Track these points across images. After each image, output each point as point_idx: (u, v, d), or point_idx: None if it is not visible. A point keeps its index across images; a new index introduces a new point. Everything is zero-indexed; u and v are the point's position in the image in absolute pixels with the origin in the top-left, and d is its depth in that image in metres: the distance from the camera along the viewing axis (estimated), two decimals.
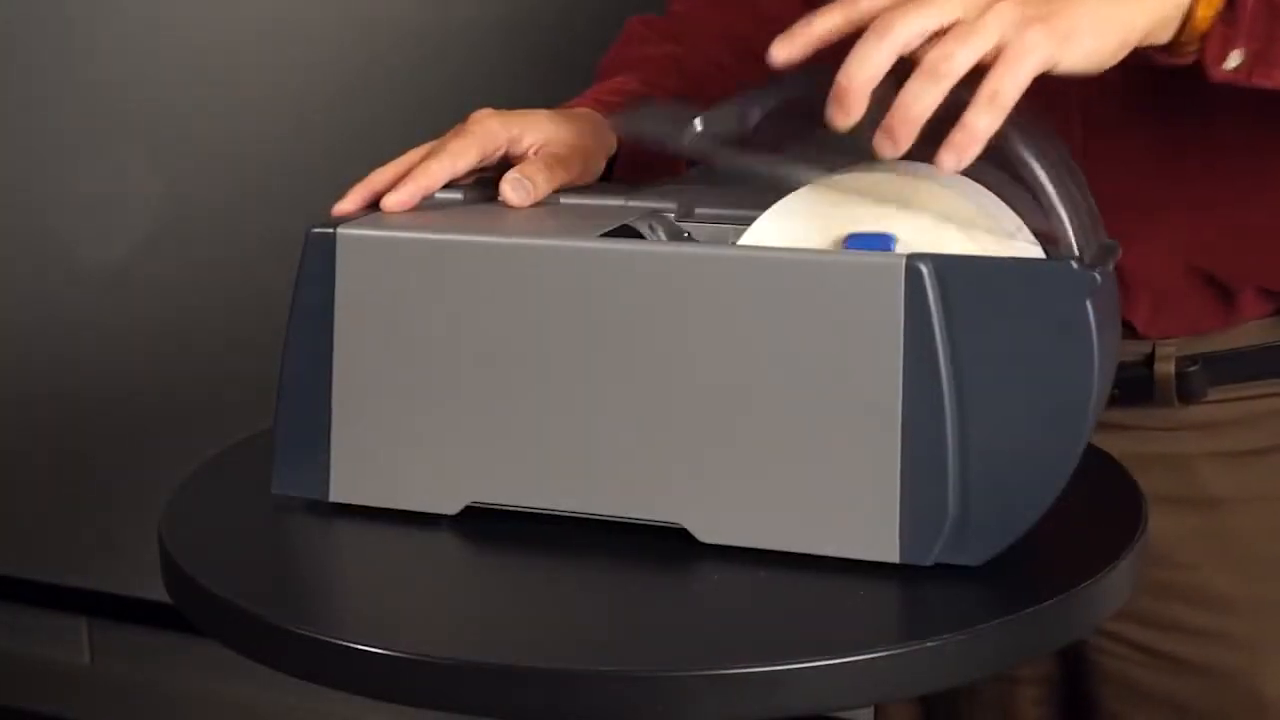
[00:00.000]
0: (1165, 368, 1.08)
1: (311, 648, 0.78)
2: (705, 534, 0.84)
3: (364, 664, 0.76)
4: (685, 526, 0.85)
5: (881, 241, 0.84)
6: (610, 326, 0.85)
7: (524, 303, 0.86)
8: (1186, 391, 1.08)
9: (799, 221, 0.87)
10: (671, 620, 0.81)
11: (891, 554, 0.82)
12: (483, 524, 0.88)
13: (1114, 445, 0.99)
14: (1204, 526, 1.08)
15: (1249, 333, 1.07)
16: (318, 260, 0.89)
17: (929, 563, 0.81)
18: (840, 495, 0.82)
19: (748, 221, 0.89)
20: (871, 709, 1.31)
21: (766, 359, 0.82)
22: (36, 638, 2.40)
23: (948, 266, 0.80)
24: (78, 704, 2.39)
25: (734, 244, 0.89)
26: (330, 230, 0.89)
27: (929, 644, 0.75)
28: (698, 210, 0.98)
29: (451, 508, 0.89)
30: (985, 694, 1.18)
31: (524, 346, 0.86)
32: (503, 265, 0.87)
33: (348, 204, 0.97)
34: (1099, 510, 0.91)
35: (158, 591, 0.88)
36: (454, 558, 0.89)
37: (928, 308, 0.80)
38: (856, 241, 0.85)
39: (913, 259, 0.80)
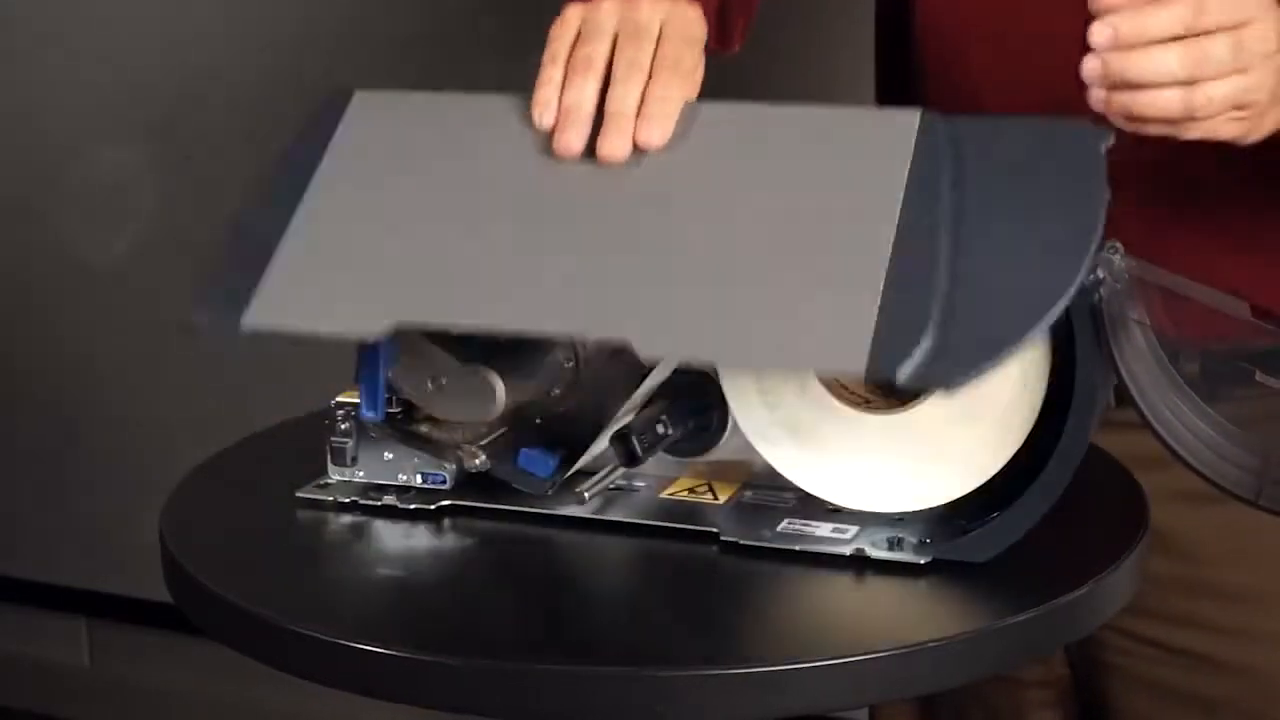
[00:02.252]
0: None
1: (311, 648, 0.78)
2: (646, 348, 0.78)
3: (364, 664, 0.76)
4: (628, 340, 0.78)
5: None
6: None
7: (505, 145, 0.87)
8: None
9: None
10: (672, 620, 0.81)
11: (859, 364, 0.75)
12: (483, 524, 0.88)
13: (1133, 443, 0.98)
14: (1228, 523, 1.07)
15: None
16: (328, 118, 0.91)
17: (895, 376, 0.75)
18: (815, 304, 0.78)
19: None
20: (866, 710, 1.31)
21: (755, 168, 0.82)
22: (36, 638, 2.39)
23: (964, 122, 0.82)
24: (78, 704, 2.38)
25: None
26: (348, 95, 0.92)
27: (930, 644, 0.75)
28: None
29: (375, 329, 0.83)
30: (992, 697, 1.17)
31: (486, 179, 0.86)
32: (499, 115, 0.88)
33: (574, 141, 0.87)
34: (1101, 510, 0.91)
35: (158, 591, 0.88)
36: (454, 558, 0.89)
37: (938, 137, 0.81)
38: None
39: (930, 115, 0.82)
